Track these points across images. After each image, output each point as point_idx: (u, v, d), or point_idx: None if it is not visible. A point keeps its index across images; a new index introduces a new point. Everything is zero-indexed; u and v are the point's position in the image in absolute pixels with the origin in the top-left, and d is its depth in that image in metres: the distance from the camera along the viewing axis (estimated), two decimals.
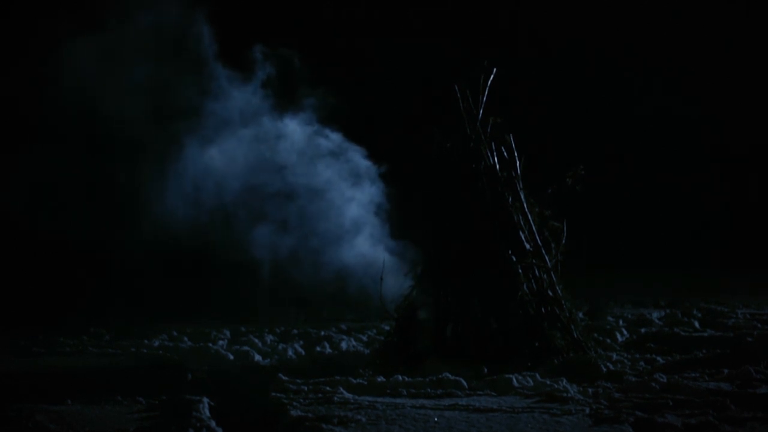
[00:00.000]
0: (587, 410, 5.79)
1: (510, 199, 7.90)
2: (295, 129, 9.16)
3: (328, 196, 9.13)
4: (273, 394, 6.46)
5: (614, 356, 7.81)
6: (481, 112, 8.01)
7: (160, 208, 9.12)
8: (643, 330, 9.45)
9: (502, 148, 8.00)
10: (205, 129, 9.14)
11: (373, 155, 9.21)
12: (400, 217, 9.20)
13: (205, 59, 9.19)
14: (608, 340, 8.68)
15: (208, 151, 9.14)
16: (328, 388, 6.54)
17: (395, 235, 9.03)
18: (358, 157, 9.13)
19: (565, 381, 6.69)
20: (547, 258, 7.90)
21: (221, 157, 9.17)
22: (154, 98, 9.08)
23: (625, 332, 9.27)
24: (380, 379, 6.91)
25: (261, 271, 9.67)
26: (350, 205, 9.09)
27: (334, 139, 9.14)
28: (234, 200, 9.28)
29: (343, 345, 9.08)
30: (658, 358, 7.70)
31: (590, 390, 6.43)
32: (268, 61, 9.25)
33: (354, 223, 9.05)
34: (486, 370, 7.11)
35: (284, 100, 9.23)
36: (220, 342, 9.33)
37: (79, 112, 9.15)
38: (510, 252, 7.74)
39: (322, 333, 9.82)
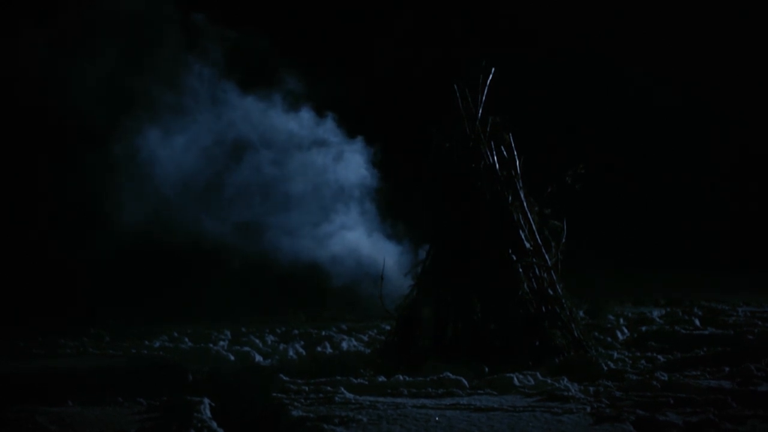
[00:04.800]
0: (588, 409, 5.79)
1: (510, 198, 7.90)
2: (269, 113, 9.13)
3: (311, 179, 9.12)
4: (274, 394, 6.46)
5: (615, 355, 7.81)
6: (480, 111, 8.01)
7: (126, 205, 9.05)
8: (643, 328, 9.45)
9: (502, 147, 8.00)
10: (170, 118, 9.09)
11: (370, 148, 9.22)
12: (392, 205, 9.21)
13: (174, 47, 9.14)
14: (609, 339, 8.68)
15: (172, 141, 9.09)
16: (329, 388, 6.54)
17: (385, 218, 9.04)
18: (342, 142, 9.13)
19: (566, 380, 6.69)
20: (547, 257, 7.90)
21: (188, 145, 9.13)
22: (116, 87, 9.01)
23: (625, 331, 9.26)
24: (381, 378, 6.90)
25: (235, 264, 9.65)
26: (335, 189, 9.10)
27: (307, 120, 9.13)
28: (204, 191, 9.24)
29: (344, 345, 9.08)
30: (659, 357, 7.70)
31: (591, 389, 6.43)
32: (212, 34, 9.18)
33: (340, 205, 9.06)
34: (487, 369, 7.10)
35: (256, 82, 9.21)
36: (221, 342, 9.32)
37: (36, 104, 9.10)
38: (510, 251, 7.74)
39: (323, 333, 9.82)
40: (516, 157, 8.01)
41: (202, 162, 9.21)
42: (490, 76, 8.07)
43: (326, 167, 9.23)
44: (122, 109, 9.09)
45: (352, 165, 9.19)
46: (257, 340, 9.35)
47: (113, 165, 9.17)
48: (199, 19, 9.25)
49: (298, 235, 9.17)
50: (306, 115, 9.27)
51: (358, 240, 9.11)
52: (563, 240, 8.05)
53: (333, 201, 9.28)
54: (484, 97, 8.04)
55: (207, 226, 9.25)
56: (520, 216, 7.89)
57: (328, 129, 9.27)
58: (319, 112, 9.32)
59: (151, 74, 9.14)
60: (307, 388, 6.59)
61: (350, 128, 9.35)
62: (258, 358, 8.37)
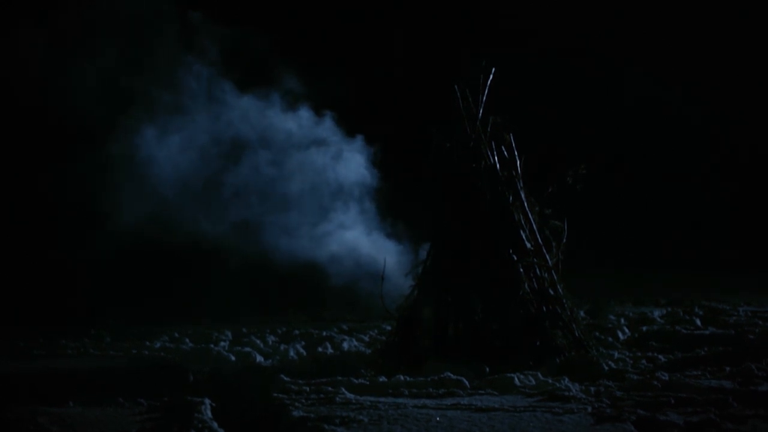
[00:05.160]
0: (589, 409, 5.78)
1: (510, 198, 7.89)
2: (267, 113, 9.13)
3: (310, 179, 9.11)
4: (275, 394, 6.45)
5: (616, 355, 7.80)
6: (480, 111, 8.00)
7: (126, 205, 9.03)
8: (644, 328, 9.45)
9: (502, 147, 8.00)
10: (168, 118, 9.07)
11: (370, 148, 9.22)
12: (392, 204, 9.20)
13: (170, 44, 9.12)
14: (610, 339, 8.68)
15: (170, 141, 9.07)
16: (329, 389, 6.53)
17: (384, 217, 9.03)
18: (342, 141, 9.13)
19: (566, 380, 6.68)
20: (548, 257, 7.89)
21: (186, 145, 9.11)
22: (114, 87, 8.99)
23: (626, 330, 9.26)
24: (382, 379, 6.90)
25: (234, 264, 9.64)
26: (334, 188, 9.09)
27: (306, 117, 9.13)
28: (202, 191, 9.23)
29: (345, 345, 9.07)
30: (660, 357, 7.70)
31: (592, 389, 6.42)
32: (210, 32, 9.17)
33: (338, 204, 9.05)
34: (487, 369, 7.09)
35: (254, 81, 9.21)
36: (222, 343, 9.31)
37: (36, 104, 9.09)
38: (511, 251, 7.74)
39: (324, 333, 9.82)
40: (517, 157, 8.00)
41: (201, 162, 9.21)
42: (491, 76, 8.06)
43: (325, 166, 9.23)
44: (121, 109, 9.08)
45: (352, 164, 9.19)
46: (258, 341, 9.34)
47: (112, 165, 9.16)
48: (198, 18, 9.24)
49: (296, 234, 9.16)
50: (305, 114, 9.27)
51: (358, 239, 9.11)
52: (564, 240, 8.05)
53: (332, 200, 9.28)
54: (484, 97, 8.03)
55: (206, 226, 9.24)
56: (521, 216, 7.89)
57: (327, 128, 9.27)
58: (318, 112, 9.31)
59: (149, 74, 9.13)
60: (308, 389, 6.58)
61: (350, 128, 9.34)
62: (259, 358, 8.36)
